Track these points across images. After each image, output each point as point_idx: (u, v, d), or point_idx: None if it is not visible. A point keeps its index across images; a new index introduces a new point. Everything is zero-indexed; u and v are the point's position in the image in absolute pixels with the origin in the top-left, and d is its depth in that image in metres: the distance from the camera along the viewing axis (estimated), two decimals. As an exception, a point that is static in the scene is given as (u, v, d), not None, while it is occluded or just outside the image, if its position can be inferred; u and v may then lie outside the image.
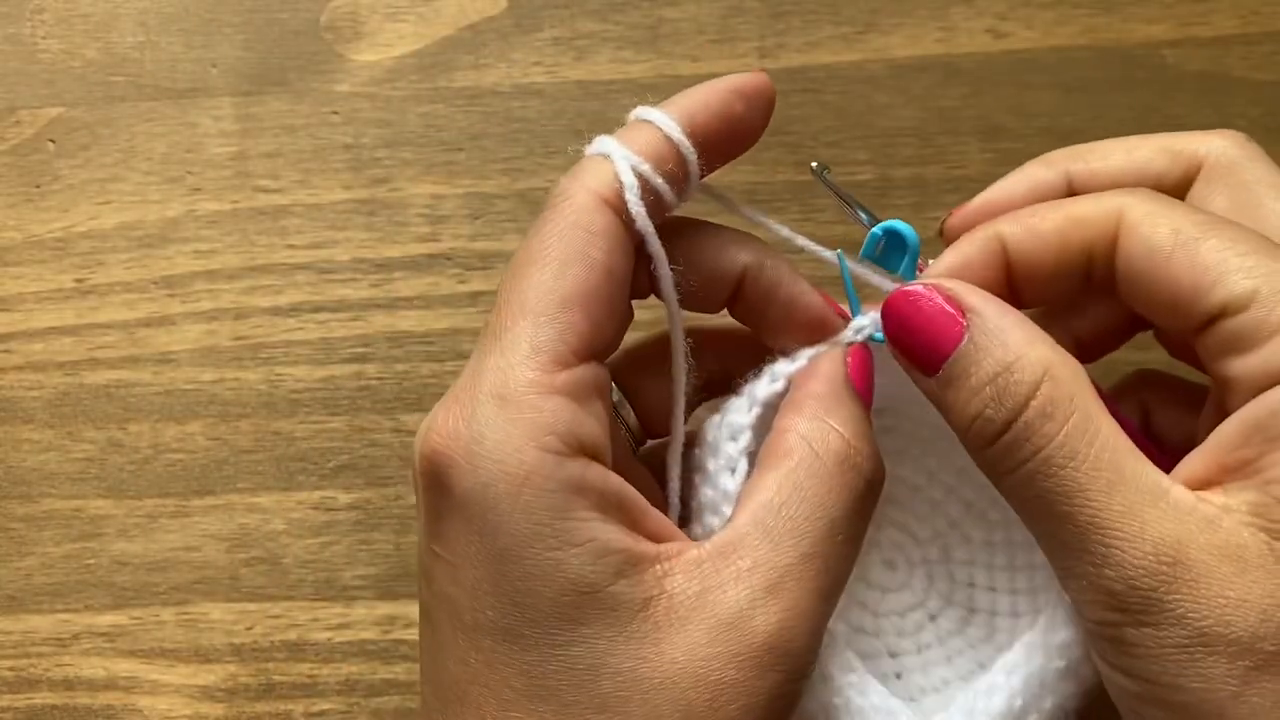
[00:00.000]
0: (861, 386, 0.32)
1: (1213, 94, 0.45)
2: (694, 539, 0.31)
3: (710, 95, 0.32)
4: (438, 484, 0.29)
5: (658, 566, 0.29)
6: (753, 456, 0.32)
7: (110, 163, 0.47)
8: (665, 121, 0.31)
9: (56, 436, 0.46)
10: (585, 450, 0.29)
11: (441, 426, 0.29)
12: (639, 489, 0.30)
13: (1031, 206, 0.32)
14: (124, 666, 0.45)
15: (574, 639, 0.28)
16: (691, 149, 0.31)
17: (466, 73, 0.47)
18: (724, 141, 0.33)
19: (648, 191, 0.31)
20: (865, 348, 0.33)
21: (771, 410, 0.32)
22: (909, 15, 0.46)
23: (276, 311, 0.46)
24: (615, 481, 0.29)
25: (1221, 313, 0.28)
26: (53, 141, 0.48)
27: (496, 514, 0.28)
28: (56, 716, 0.45)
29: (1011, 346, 0.28)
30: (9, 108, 0.48)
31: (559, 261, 0.30)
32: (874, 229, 0.33)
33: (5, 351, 0.47)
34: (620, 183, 0.31)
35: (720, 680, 0.27)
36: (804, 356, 0.33)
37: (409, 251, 0.46)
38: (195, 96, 0.48)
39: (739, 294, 0.33)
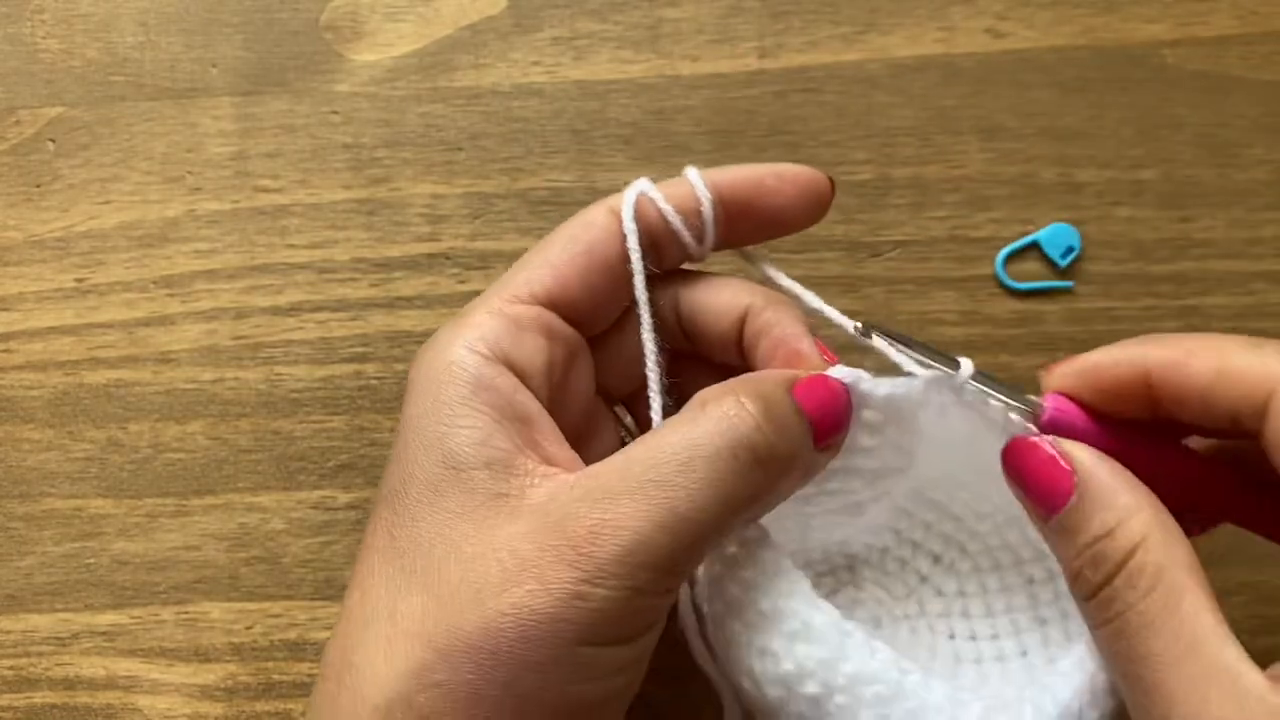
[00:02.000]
0: (810, 405, 0.32)
1: (1212, 93, 0.46)
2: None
3: (752, 169, 0.36)
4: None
5: (527, 477, 0.32)
6: None
7: (110, 162, 0.47)
8: (694, 176, 0.36)
9: (56, 436, 0.46)
10: (510, 365, 0.33)
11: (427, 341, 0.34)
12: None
13: (1182, 340, 0.32)
14: (124, 666, 0.45)
15: (429, 507, 0.31)
16: (709, 200, 0.35)
17: (466, 73, 0.47)
18: (753, 213, 0.36)
19: (661, 225, 0.35)
20: (840, 389, 0.33)
21: None
22: (908, 15, 0.46)
23: (276, 311, 0.46)
24: (528, 400, 0.33)
25: None
26: (53, 141, 0.48)
27: (414, 392, 0.33)
28: (56, 716, 0.45)
29: (1116, 511, 0.29)
30: (9, 107, 0.48)
31: (554, 240, 0.35)
32: (963, 370, 0.33)
33: (5, 351, 0.47)
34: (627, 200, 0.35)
35: (517, 559, 0.30)
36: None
37: (409, 251, 0.46)
38: (195, 96, 0.48)
39: (742, 337, 0.36)
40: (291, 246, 0.47)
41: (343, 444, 0.46)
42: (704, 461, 0.30)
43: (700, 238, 0.35)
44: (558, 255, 0.35)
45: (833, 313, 0.35)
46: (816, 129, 0.46)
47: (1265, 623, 0.45)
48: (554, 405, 0.34)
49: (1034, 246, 0.45)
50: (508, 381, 0.33)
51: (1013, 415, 0.32)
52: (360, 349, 0.46)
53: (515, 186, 0.46)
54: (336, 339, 0.46)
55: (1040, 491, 0.31)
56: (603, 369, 0.37)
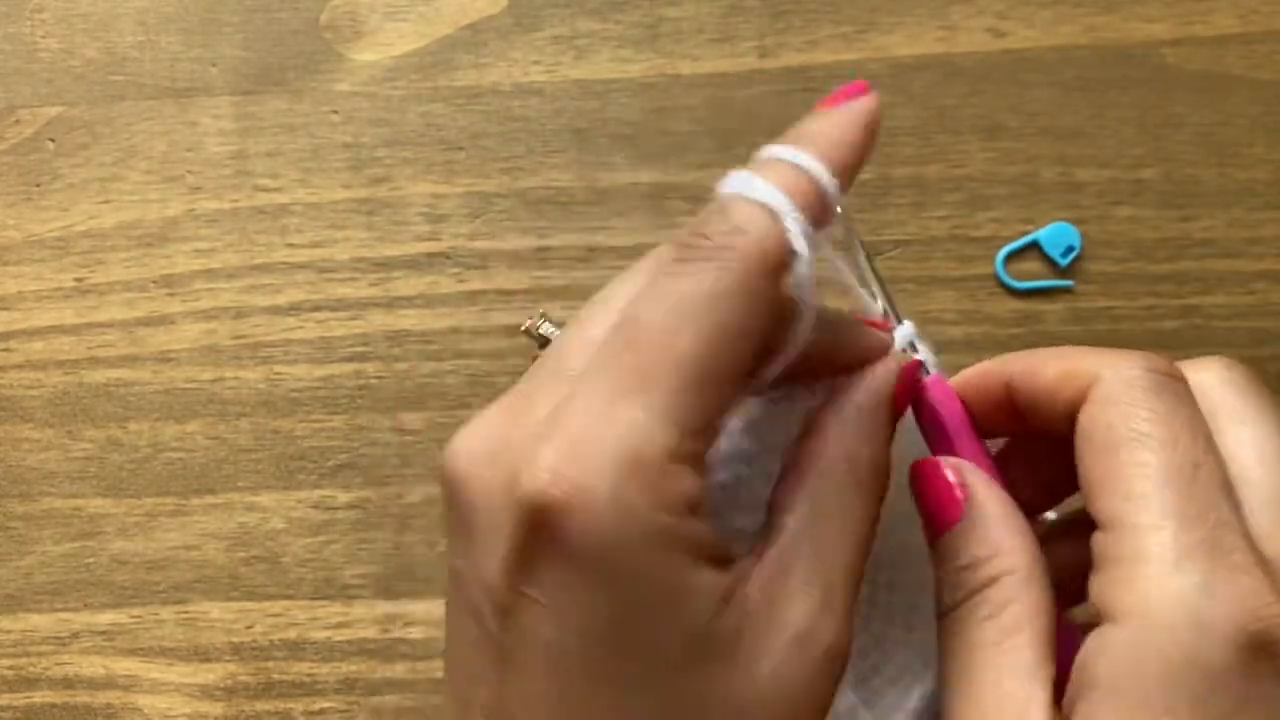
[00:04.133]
0: (902, 404, 0.32)
1: (1212, 93, 0.45)
2: (719, 532, 0.31)
3: (846, 130, 0.31)
4: (545, 528, 0.27)
5: (736, 593, 0.29)
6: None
7: (110, 162, 0.47)
8: (813, 166, 0.30)
9: (56, 435, 0.46)
10: (696, 510, 0.28)
11: (557, 468, 0.27)
12: None
13: (1043, 352, 0.33)
14: (123, 665, 0.45)
15: (685, 677, 0.28)
16: (839, 194, 0.30)
17: (466, 72, 0.47)
18: (859, 165, 0.31)
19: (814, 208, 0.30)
20: (914, 368, 0.33)
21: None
22: (909, 14, 0.46)
23: (276, 310, 0.46)
24: (707, 526, 0.29)
25: (1101, 523, 0.29)
26: (52, 141, 0.48)
27: (622, 572, 0.27)
28: (56, 715, 0.45)
29: (990, 545, 0.30)
30: (9, 107, 0.48)
31: (718, 328, 0.28)
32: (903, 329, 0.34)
33: (5, 350, 0.47)
34: (793, 251, 0.29)
35: (799, 689, 0.29)
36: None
37: (408, 251, 0.46)
38: (195, 96, 0.48)
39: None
40: (291, 246, 0.47)
41: (342, 443, 0.46)
42: (868, 536, 0.30)
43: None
44: (730, 362, 0.29)
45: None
46: (817, 128, 0.46)
47: (1266, 623, 0.45)
48: None
49: (1034, 246, 0.45)
50: (700, 528, 0.29)
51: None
52: (360, 348, 0.46)
53: (515, 186, 0.46)
54: (336, 338, 0.46)
55: (933, 512, 0.32)
56: None
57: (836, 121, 0.31)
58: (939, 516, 0.31)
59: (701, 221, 0.29)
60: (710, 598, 0.28)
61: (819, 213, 0.29)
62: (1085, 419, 0.30)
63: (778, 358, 0.30)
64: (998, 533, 0.30)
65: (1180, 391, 0.30)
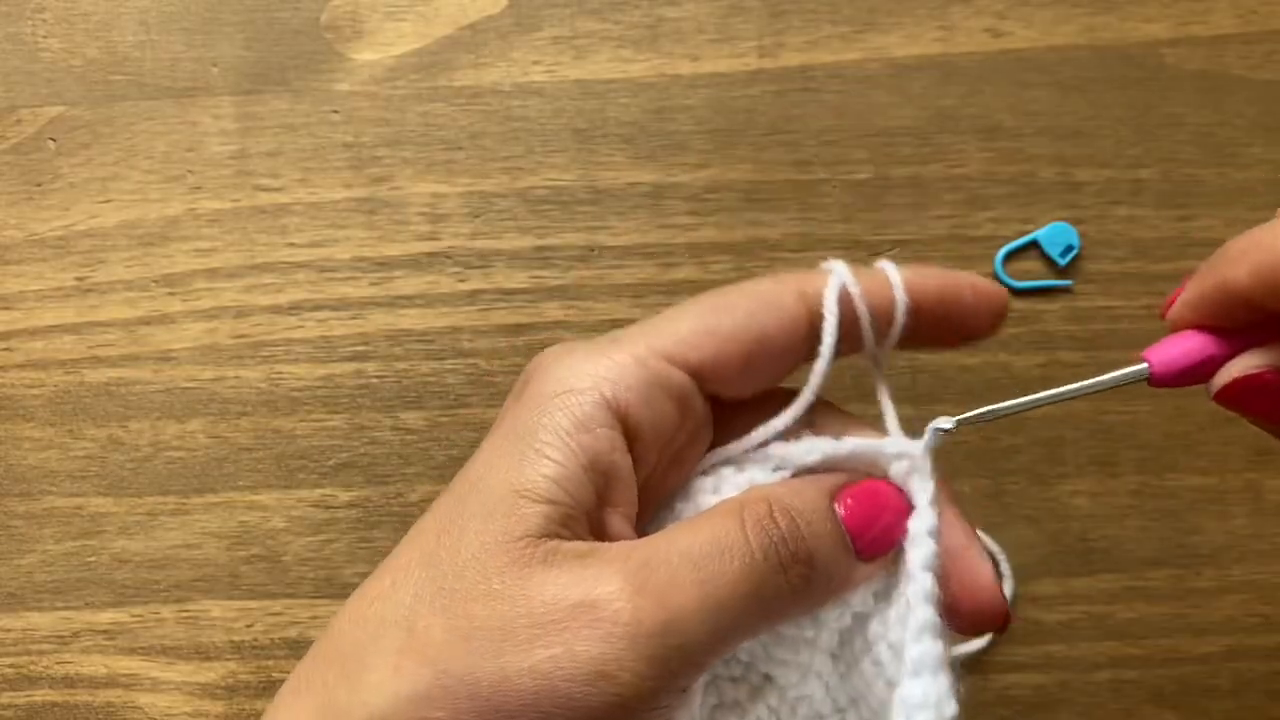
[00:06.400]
0: (855, 526, 0.31)
1: (1211, 93, 0.46)
2: None
3: (951, 277, 0.34)
4: (525, 378, 0.32)
5: (575, 535, 0.30)
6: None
7: (111, 161, 0.47)
8: (894, 274, 0.33)
9: (57, 434, 0.47)
10: (628, 422, 0.31)
11: (558, 345, 0.33)
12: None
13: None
14: (124, 664, 0.45)
15: (479, 525, 0.30)
16: (905, 304, 0.33)
17: (466, 72, 0.47)
18: (943, 322, 0.34)
19: (850, 320, 0.33)
20: (894, 497, 0.32)
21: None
22: (908, 14, 0.46)
23: (277, 310, 0.46)
24: (622, 464, 0.31)
25: None
26: (54, 140, 0.48)
27: (524, 398, 0.32)
28: (57, 714, 0.45)
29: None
30: (10, 106, 0.48)
31: (732, 307, 0.33)
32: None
33: (6, 349, 0.47)
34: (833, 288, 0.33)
35: (547, 616, 0.29)
36: (848, 444, 0.33)
37: (409, 250, 0.46)
38: (196, 95, 0.48)
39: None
40: (292, 245, 0.47)
41: (343, 443, 0.46)
42: (739, 558, 0.29)
43: (882, 338, 0.34)
44: (729, 329, 0.32)
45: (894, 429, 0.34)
46: (816, 129, 0.46)
47: (1265, 622, 0.45)
48: (654, 475, 0.33)
49: (1033, 245, 0.45)
50: (613, 436, 0.31)
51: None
52: (360, 348, 0.46)
53: (515, 185, 0.47)
54: (337, 338, 0.46)
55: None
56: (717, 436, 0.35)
57: (945, 272, 0.34)
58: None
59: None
60: (550, 483, 0.30)
61: (886, 309, 0.33)
62: None
63: None
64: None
65: None
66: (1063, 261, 0.45)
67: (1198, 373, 0.32)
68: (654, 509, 0.34)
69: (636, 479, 0.32)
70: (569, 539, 0.30)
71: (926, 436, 0.32)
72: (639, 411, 0.31)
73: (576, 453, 0.30)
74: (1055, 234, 0.45)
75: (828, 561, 0.31)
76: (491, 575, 0.29)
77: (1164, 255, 0.45)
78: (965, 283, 0.34)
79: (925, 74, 0.46)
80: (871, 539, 0.31)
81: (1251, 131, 0.45)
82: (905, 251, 0.46)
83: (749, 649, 0.34)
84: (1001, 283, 0.45)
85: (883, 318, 0.33)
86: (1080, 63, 0.46)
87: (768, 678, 0.34)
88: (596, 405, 0.31)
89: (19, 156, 0.48)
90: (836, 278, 0.33)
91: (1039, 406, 0.32)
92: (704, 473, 0.34)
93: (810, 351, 0.33)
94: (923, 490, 0.32)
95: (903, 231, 0.45)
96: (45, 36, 0.48)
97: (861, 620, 0.33)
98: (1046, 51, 0.46)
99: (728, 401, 0.34)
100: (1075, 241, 0.45)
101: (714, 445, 0.34)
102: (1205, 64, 0.46)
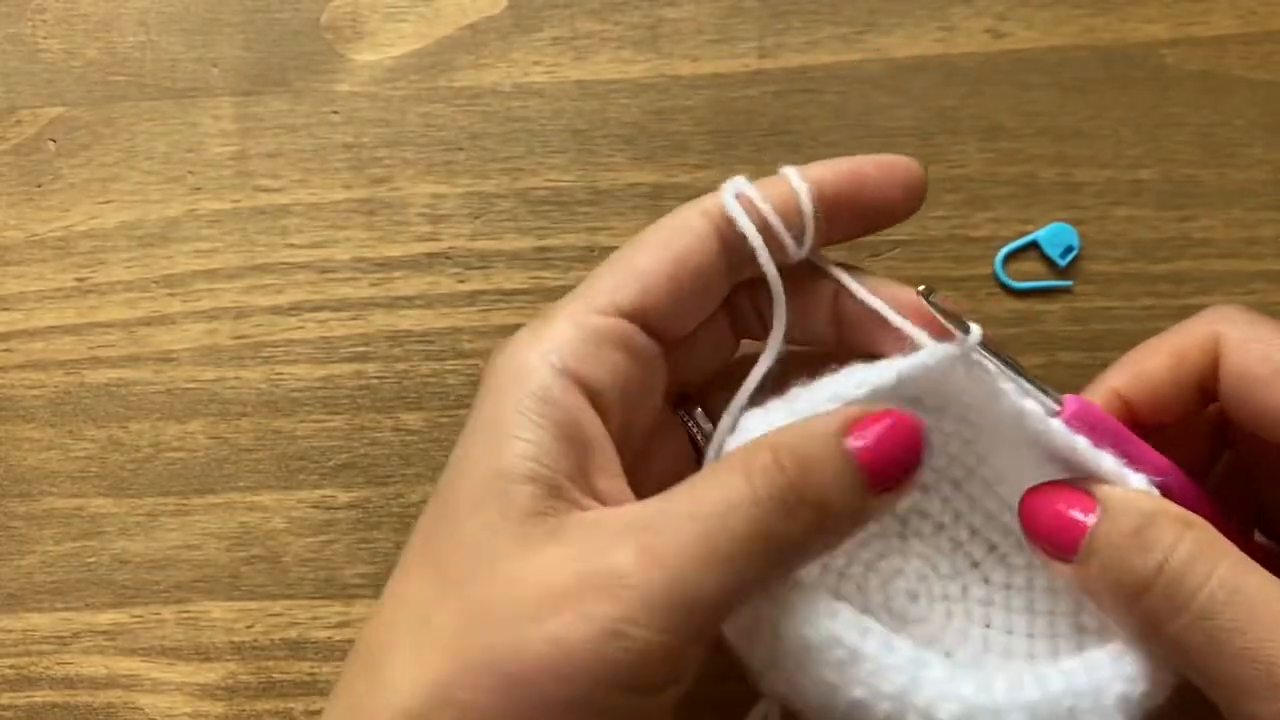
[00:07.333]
0: (869, 461, 0.31)
1: (1212, 93, 0.46)
2: None
3: (851, 161, 0.36)
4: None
5: (573, 502, 0.31)
6: None
7: (111, 162, 0.47)
8: (793, 173, 0.35)
9: (57, 435, 0.47)
10: (584, 383, 0.32)
11: (504, 340, 0.34)
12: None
13: (1132, 353, 0.35)
14: (124, 665, 0.45)
15: (470, 513, 0.31)
16: (809, 197, 0.34)
17: (466, 72, 0.47)
18: (856, 206, 0.35)
19: (760, 226, 0.34)
20: (908, 427, 0.32)
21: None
22: (908, 15, 0.46)
23: (277, 310, 0.46)
24: (592, 423, 0.32)
25: None
26: (54, 141, 0.48)
27: (481, 392, 0.33)
28: (57, 715, 0.45)
29: (1145, 510, 0.30)
30: (10, 107, 0.48)
31: (644, 244, 0.34)
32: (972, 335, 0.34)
33: (6, 350, 0.47)
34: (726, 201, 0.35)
35: (557, 586, 0.29)
36: (893, 367, 0.34)
37: (409, 251, 0.46)
38: (196, 96, 0.48)
39: (842, 320, 0.36)
40: (292, 246, 0.47)
41: (343, 443, 0.46)
42: (745, 509, 0.29)
43: (800, 238, 0.34)
44: (646, 264, 0.33)
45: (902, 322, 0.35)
46: (816, 129, 0.46)
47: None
48: (625, 425, 0.33)
49: (1033, 246, 0.45)
50: (575, 400, 0.32)
51: (1028, 402, 0.33)
52: (361, 348, 0.46)
53: (515, 186, 0.47)
54: (337, 338, 0.46)
55: (1062, 525, 0.31)
56: (672, 369, 0.36)
57: (842, 160, 0.36)
58: (1073, 524, 0.31)
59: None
60: (531, 460, 0.31)
61: (794, 212, 0.35)
62: (1234, 367, 0.32)
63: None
64: (1144, 502, 0.31)
65: None
66: (1063, 262, 0.45)
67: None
68: (635, 456, 0.35)
69: (611, 434, 0.33)
70: (564, 510, 0.30)
71: (974, 332, 0.34)
72: (592, 369, 0.32)
73: (545, 425, 0.31)
74: (1055, 234, 0.45)
75: (839, 502, 0.30)
76: (497, 559, 0.30)
77: (1164, 256, 0.45)
78: (869, 161, 0.35)
79: (925, 74, 0.46)
80: (885, 473, 0.31)
81: (1251, 132, 0.45)
82: (905, 252, 0.46)
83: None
84: (1002, 284, 0.45)
85: (793, 218, 0.34)
86: (1080, 63, 0.46)
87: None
88: (551, 376, 0.32)
89: (19, 157, 0.48)
90: (732, 187, 0.34)
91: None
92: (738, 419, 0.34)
93: (732, 267, 0.35)
94: (993, 372, 0.33)
95: (902, 232, 0.45)
96: (45, 37, 0.48)
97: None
98: (1047, 52, 0.46)
99: (678, 340, 0.35)
100: (1075, 242, 0.45)
101: (671, 376, 0.36)
102: (1205, 64, 0.46)
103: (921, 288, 0.34)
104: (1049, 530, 0.32)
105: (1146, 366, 0.34)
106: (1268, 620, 0.28)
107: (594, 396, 0.32)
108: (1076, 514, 0.31)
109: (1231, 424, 0.35)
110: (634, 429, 0.34)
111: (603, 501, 0.31)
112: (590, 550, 0.29)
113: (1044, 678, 0.32)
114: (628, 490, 0.32)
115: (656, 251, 0.34)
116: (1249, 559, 0.29)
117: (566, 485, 0.31)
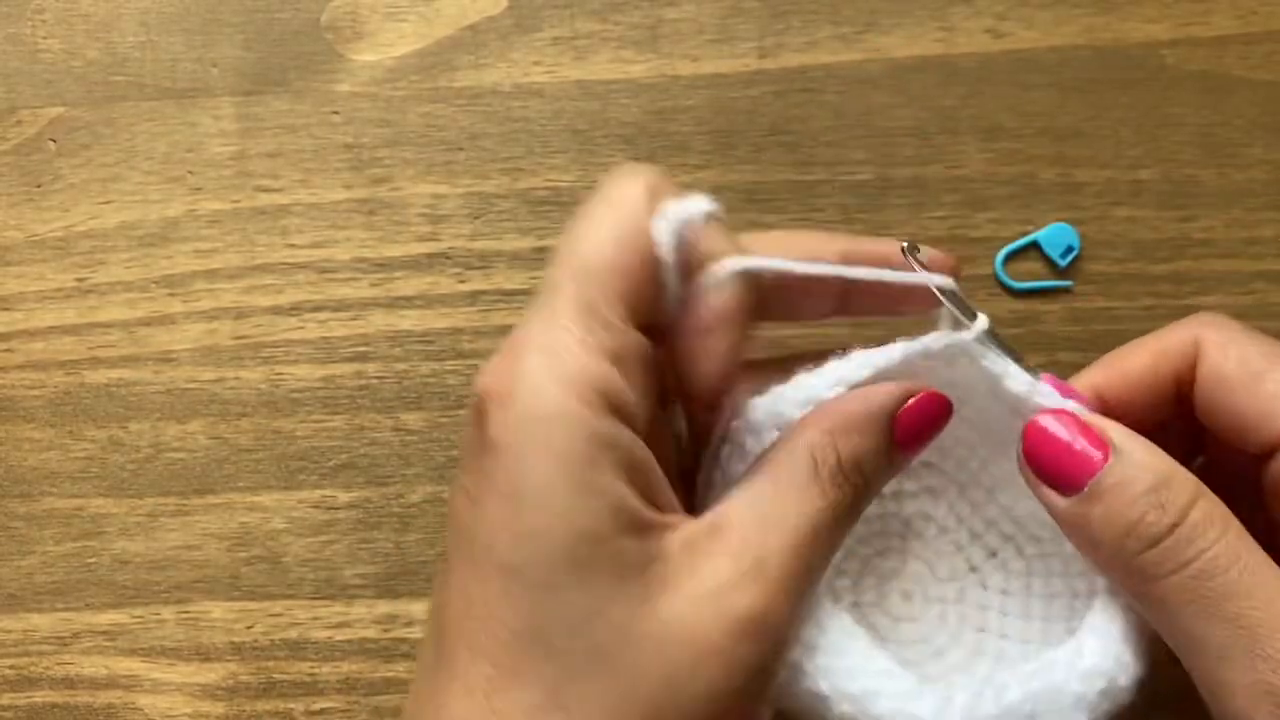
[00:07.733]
0: (904, 431, 0.32)
1: (1212, 93, 0.46)
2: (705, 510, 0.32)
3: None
4: (479, 421, 0.30)
5: (661, 533, 0.30)
6: None
7: (111, 162, 0.47)
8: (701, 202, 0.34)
9: (57, 435, 0.47)
10: (619, 413, 0.30)
11: (493, 368, 0.30)
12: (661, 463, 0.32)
13: (1115, 352, 0.36)
14: (124, 665, 0.45)
15: (576, 585, 0.28)
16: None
17: (467, 72, 0.47)
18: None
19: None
20: (934, 400, 0.33)
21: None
22: (908, 15, 0.46)
23: (277, 311, 0.46)
24: (641, 450, 0.30)
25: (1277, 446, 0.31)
26: (54, 141, 0.48)
27: (525, 453, 0.29)
28: (57, 715, 0.45)
29: (1161, 469, 0.31)
30: (10, 107, 0.48)
31: (614, 226, 0.32)
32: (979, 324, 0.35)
33: (6, 350, 0.47)
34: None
35: (704, 642, 0.29)
36: (897, 350, 0.34)
37: (409, 251, 0.46)
38: (196, 96, 0.48)
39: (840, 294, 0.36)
40: (292, 246, 0.47)
41: (343, 443, 0.46)
42: (825, 529, 0.31)
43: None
44: (631, 254, 0.32)
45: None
46: (816, 129, 0.46)
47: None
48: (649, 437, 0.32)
49: (1033, 246, 0.45)
50: (625, 436, 0.30)
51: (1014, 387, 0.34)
52: (361, 349, 0.46)
53: (515, 186, 0.47)
54: (337, 339, 0.46)
55: (1072, 459, 0.31)
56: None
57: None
58: (1084, 459, 0.31)
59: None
60: (623, 513, 0.29)
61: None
62: (1211, 369, 0.32)
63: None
64: (1161, 461, 0.31)
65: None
66: (1063, 262, 0.45)
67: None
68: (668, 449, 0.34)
69: (645, 439, 0.31)
70: (657, 545, 0.30)
71: (980, 321, 0.34)
72: (625, 397, 0.30)
73: (612, 471, 0.29)
74: (1055, 235, 0.45)
75: (881, 478, 0.33)
76: (625, 622, 0.29)
77: (1164, 256, 0.45)
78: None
79: (925, 74, 0.46)
80: (916, 445, 0.33)
81: (1251, 132, 0.45)
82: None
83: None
84: (1002, 284, 0.45)
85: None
86: (1080, 63, 0.46)
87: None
88: (595, 420, 0.29)
89: (19, 157, 0.48)
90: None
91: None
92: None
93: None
94: (1002, 364, 0.34)
95: (903, 232, 0.45)
96: (45, 37, 0.48)
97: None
98: (1047, 52, 0.46)
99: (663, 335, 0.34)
100: (1075, 242, 0.45)
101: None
102: (1205, 64, 0.46)
103: (905, 244, 0.34)
104: (1054, 460, 0.32)
105: (1126, 365, 0.35)
106: (1261, 593, 0.29)
107: (628, 419, 0.30)
108: (1089, 450, 0.31)
109: (1205, 431, 0.35)
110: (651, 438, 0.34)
111: (669, 513, 0.31)
112: (709, 594, 0.29)
113: (1001, 689, 0.33)
114: (674, 496, 0.32)
115: (612, 234, 0.32)
116: (1246, 533, 0.30)
117: (648, 517, 0.30)
